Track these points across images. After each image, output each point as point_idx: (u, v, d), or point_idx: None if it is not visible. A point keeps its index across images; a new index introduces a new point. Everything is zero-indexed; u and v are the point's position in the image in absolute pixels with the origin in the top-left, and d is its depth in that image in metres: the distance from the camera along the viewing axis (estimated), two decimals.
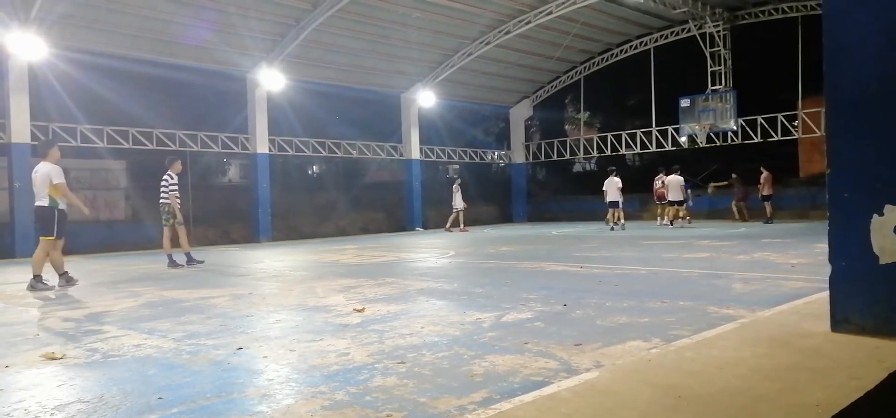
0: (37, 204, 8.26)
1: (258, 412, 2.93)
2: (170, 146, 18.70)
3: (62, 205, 8.28)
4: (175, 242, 11.32)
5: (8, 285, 9.03)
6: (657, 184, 20.53)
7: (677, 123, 22.44)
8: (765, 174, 19.13)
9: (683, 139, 22.40)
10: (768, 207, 18.88)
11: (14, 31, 14.75)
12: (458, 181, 21.19)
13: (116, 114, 17.49)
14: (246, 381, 3.53)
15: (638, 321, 4.70)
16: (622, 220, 18.84)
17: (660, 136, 23.73)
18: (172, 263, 10.93)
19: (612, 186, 18.70)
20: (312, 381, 3.40)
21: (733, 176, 20.16)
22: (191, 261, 11.14)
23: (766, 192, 19.00)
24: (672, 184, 19.37)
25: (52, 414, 2.99)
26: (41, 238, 8.31)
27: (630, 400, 2.66)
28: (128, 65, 16.93)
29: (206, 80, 19.11)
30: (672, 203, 19.42)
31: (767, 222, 18.40)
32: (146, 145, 18.36)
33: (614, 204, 18.75)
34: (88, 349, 4.38)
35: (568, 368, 3.44)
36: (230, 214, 20.40)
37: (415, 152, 24.07)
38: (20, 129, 15.54)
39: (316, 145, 22.09)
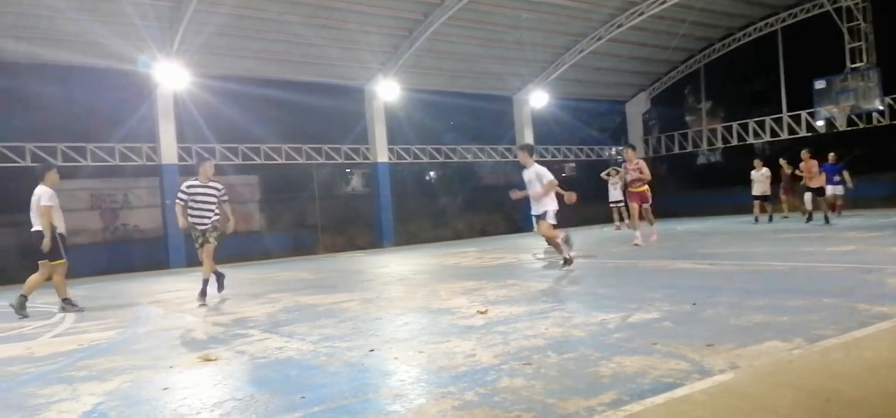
0: (34, 229, 8.02)
1: (392, 411, 3.06)
2: (296, 160, 19.86)
3: (61, 229, 8.09)
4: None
5: (167, 293, 9.95)
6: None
7: (811, 107, 20.84)
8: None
9: (820, 123, 20.76)
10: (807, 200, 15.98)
11: (161, 62, 16.28)
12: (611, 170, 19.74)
13: (247, 132, 18.82)
14: (379, 382, 3.71)
15: (776, 320, 4.44)
16: (772, 213, 17.35)
17: (792, 122, 22.16)
18: (220, 283, 8.92)
19: (761, 177, 17.24)
20: (441, 382, 3.51)
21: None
22: (220, 279, 9.01)
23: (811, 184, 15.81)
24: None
25: (211, 411, 3.29)
26: (52, 264, 8.03)
27: (770, 403, 2.53)
28: (256, 87, 18.17)
29: (328, 95, 20.07)
30: (757, 197, 17.26)
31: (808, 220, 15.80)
32: (276, 160, 19.59)
33: (764, 197, 17.16)
34: (237, 351, 4.76)
35: (700, 370, 3.33)
36: (355, 222, 21.32)
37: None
38: (169, 152, 17.11)
39: (432, 152, 22.59)
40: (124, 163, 17.44)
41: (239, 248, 18.50)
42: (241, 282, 11.26)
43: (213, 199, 8.35)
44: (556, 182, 9.09)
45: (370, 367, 4.01)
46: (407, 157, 22.11)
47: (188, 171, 14.54)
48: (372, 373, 3.88)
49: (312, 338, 5.03)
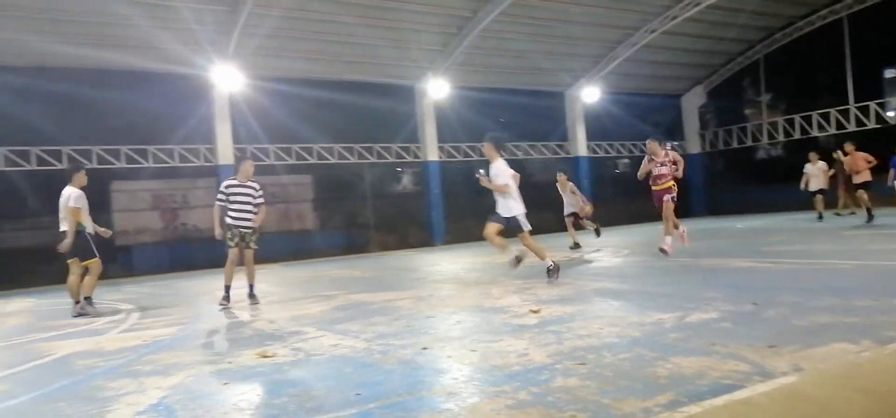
0: (62, 229, 8.07)
1: (446, 409, 3.08)
2: (348, 160, 20.16)
3: (90, 229, 8.15)
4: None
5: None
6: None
7: (882, 98, 19.93)
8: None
9: (891, 114, 19.84)
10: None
11: (217, 65, 16.77)
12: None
13: (299, 133, 19.21)
14: (433, 380, 3.73)
15: (843, 321, 4.26)
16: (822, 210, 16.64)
17: (860, 114, 21.23)
18: (253, 298, 8.19)
19: (816, 171, 16.45)
20: (495, 381, 3.50)
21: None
22: (253, 294, 8.28)
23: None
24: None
25: (269, 406, 3.38)
26: (83, 263, 8.10)
27: (837, 408, 2.44)
28: (308, 88, 18.52)
29: (378, 94, 20.28)
30: (816, 192, 16.31)
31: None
32: (328, 160, 19.92)
33: (820, 191, 16.32)
34: (293, 348, 4.86)
35: (762, 371, 3.22)
36: (406, 220, 21.50)
37: (581, 149, 23.69)
38: (225, 152, 17.62)
39: (482, 149, 22.56)
40: (183, 164, 18.05)
41: (292, 247, 18.91)
42: (295, 280, 11.49)
43: (252, 199, 8.08)
44: (508, 186, 8.01)
45: (423, 365, 4.03)
46: (457, 155, 22.15)
47: None
48: (425, 371, 3.91)
49: (366, 336, 5.10)
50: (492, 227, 8.15)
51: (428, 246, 20.15)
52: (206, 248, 17.91)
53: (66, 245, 7.95)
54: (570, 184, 13.63)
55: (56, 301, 8.52)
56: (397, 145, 21.13)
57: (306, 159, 19.72)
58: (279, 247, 18.06)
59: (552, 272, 7.94)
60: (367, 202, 21.49)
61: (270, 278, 10.21)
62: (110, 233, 8.65)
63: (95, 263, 8.16)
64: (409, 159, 21.51)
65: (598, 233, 13.90)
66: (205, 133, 18.04)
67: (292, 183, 20.55)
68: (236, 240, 7.97)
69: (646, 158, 10.35)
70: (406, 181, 24.71)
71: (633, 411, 2.79)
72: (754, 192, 25.07)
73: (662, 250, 9.66)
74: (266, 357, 4.58)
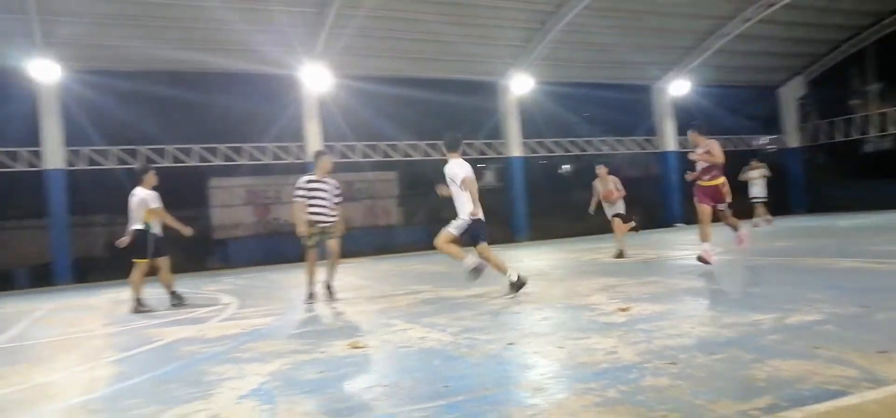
0: (132, 228, 8.31)
1: (533, 405, 3.08)
2: (432, 156, 20.38)
3: (155, 229, 8.36)
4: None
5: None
6: None
7: None
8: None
9: None
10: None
11: (306, 65, 17.38)
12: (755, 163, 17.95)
13: (383, 130, 19.61)
14: (519, 375, 3.74)
15: None
16: None
17: None
18: (330, 292, 8.19)
19: None
20: (582, 378, 3.47)
21: None
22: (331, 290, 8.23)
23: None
24: None
25: (361, 395, 3.49)
26: (134, 261, 8.32)
27: None
28: (392, 86, 18.87)
29: (461, 91, 20.39)
30: None
31: None
32: (412, 157, 20.24)
33: None
34: (382, 340, 5.00)
35: (871, 378, 3.04)
36: (489, 216, 21.47)
37: (670, 144, 22.96)
38: (314, 149, 18.21)
39: (566, 145, 22.27)
40: (275, 162, 18.83)
41: (377, 242, 19.35)
42: (381, 274, 11.76)
43: (331, 196, 7.96)
44: (465, 185, 7.13)
45: (510, 360, 4.05)
46: (540, 151, 21.98)
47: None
48: (512, 366, 3.92)
49: (453, 330, 5.16)
50: (444, 235, 7.26)
51: (511, 242, 20.09)
52: (296, 243, 18.59)
53: (124, 241, 8.27)
54: (613, 177, 11.60)
55: (159, 290, 9.09)
56: (480, 141, 21.19)
57: (391, 156, 20.12)
58: (364, 241, 18.55)
59: (515, 286, 6.91)
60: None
61: (358, 272, 10.57)
62: (191, 231, 8.69)
63: (144, 264, 8.30)
64: (492, 155, 21.52)
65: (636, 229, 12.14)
66: (295, 131, 18.75)
67: (377, 179, 21.02)
68: (315, 238, 7.92)
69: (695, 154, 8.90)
70: (489, 177, 24.75)
71: (728, 413, 2.70)
72: (860, 188, 23.43)
73: (702, 260, 8.26)
74: (357, 347, 4.72)
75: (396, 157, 20.24)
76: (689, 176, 8.82)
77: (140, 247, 8.25)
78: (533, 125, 21.70)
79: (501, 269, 7.14)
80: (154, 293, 8.93)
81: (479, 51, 19.27)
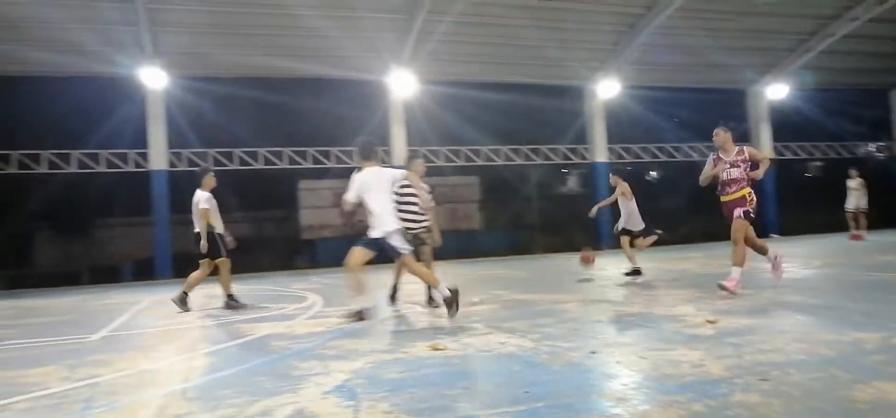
0: (196, 230, 8.42)
1: (615, 414, 3.04)
2: (514, 161, 20.34)
3: (220, 230, 8.45)
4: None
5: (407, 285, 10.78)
6: None
7: None
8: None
9: None
10: None
11: (393, 70, 17.75)
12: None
13: (465, 135, 19.73)
14: (601, 384, 3.69)
15: None
16: None
17: None
18: (434, 301, 7.55)
19: None
20: (666, 390, 3.39)
21: None
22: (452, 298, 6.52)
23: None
24: None
25: (442, 397, 3.54)
26: (214, 261, 8.45)
27: None
28: (476, 91, 18.94)
29: (545, 95, 20.23)
30: None
31: None
32: (495, 162, 20.25)
33: None
34: (463, 343, 5.04)
35: None
36: (572, 222, 21.25)
37: (766, 150, 21.88)
38: (400, 154, 18.59)
39: (654, 151, 21.67)
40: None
41: (459, 246, 19.47)
42: (463, 278, 11.82)
43: (419, 200, 7.58)
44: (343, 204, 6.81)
45: (592, 369, 4.00)
46: (626, 156, 21.48)
47: None
48: (593, 375, 3.88)
49: (533, 336, 5.15)
50: (356, 255, 6.68)
51: (594, 249, 19.70)
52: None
53: (204, 246, 8.37)
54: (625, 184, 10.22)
55: (251, 287, 9.49)
56: (564, 147, 20.95)
57: (474, 161, 20.21)
58: (446, 246, 18.49)
59: (451, 304, 6.23)
60: (531, 203, 21.56)
61: (439, 276, 10.67)
62: (236, 243, 8.78)
63: (224, 262, 8.48)
64: (577, 160, 21.23)
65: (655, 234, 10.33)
66: (381, 135, 19.16)
67: (460, 184, 21.17)
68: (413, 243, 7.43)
69: (710, 158, 7.97)
70: (572, 182, 24.42)
71: None
72: None
73: (723, 287, 6.97)
74: (437, 349, 4.79)
75: (479, 162, 20.32)
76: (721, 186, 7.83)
77: (215, 247, 8.41)
78: (619, 130, 21.25)
79: (432, 283, 6.70)
80: (243, 289, 9.33)
81: (565, 55, 19.05)
